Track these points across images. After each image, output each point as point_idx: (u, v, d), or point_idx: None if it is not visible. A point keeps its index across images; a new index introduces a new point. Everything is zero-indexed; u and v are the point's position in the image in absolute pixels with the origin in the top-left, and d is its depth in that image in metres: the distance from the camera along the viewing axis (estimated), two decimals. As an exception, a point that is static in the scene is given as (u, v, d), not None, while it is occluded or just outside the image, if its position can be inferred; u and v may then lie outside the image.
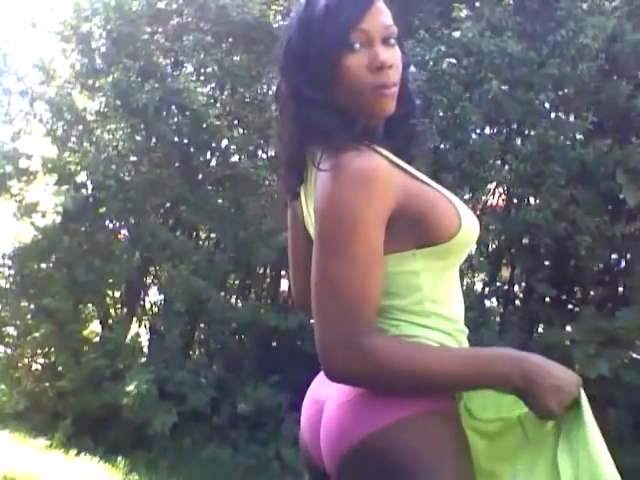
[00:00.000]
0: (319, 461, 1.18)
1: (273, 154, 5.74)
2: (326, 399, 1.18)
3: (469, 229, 1.16)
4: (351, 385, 1.10)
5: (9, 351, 6.66)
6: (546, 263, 5.55)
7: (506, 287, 5.90)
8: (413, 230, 1.11)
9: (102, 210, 6.20)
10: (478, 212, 5.19)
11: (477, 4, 5.43)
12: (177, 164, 6.14)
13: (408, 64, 1.27)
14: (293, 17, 1.20)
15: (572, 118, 5.21)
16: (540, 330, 5.39)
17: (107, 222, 6.53)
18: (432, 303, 1.14)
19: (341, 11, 1.11)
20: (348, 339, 1.03)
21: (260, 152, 6.52)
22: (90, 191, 6.33)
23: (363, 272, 1.05)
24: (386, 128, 1.22)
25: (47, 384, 6.26)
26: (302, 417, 1.28)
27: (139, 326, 6.51)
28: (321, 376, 1.28)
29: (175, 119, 6.16)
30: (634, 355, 4.82)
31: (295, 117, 1.16)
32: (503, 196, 5.65)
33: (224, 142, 6.22)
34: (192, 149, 6.19)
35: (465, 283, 5.61)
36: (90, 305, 6.60)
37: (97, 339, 6.45)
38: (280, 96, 1.21)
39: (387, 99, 1.14)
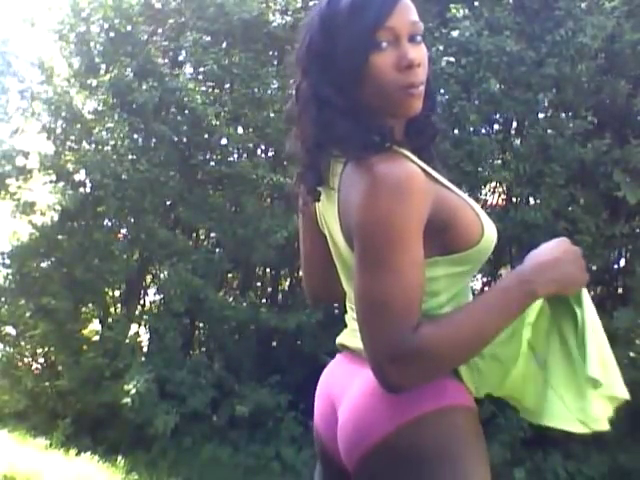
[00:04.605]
0: (336, 454, 1.18)
1: (281, 153, 5.68)
2: (341, 394, 1.18)
3: (490, 236, 1.15)
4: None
5: (8, 349, 6.66)
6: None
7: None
8: (438, 237, 1.08)
9: (101, 209, 6.18)
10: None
11: (476, 3, 5.42)
12: (176, 163, 6.13)
13: (432, 60, 1.23)
14: (314, 14, 1.16)
15: (571, 117, 5.21)
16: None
17: (106, 221, 6.50)
18: (450, 309, 1.14)
19: (368, 8, 1.07)
20: (400, 351, 1.01)
21: (259, 151, 6.52)
22: (89, 190, 6.33)
23: (410, 283, 1.02)
24: (406, 126, 1.18)
25: (47, 383, 6.26)
26: (315, 410, 1.28)
27: (139, 325, 6.49)
28: (331, 367, 1.29)
29: (174, 118, 6.16)
30: (632, 354, 4.82)
31: (316, 120, 1.12)
32: (503, 195, 5.65)
33: (223, 141, 6.19)
34: (191, 148, 6.19)
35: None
36: (89, 304, 6.60)
37: (96, 338, 6.44)
38: (301, 97, 1.16)
39: (415, 99, 1.11)
